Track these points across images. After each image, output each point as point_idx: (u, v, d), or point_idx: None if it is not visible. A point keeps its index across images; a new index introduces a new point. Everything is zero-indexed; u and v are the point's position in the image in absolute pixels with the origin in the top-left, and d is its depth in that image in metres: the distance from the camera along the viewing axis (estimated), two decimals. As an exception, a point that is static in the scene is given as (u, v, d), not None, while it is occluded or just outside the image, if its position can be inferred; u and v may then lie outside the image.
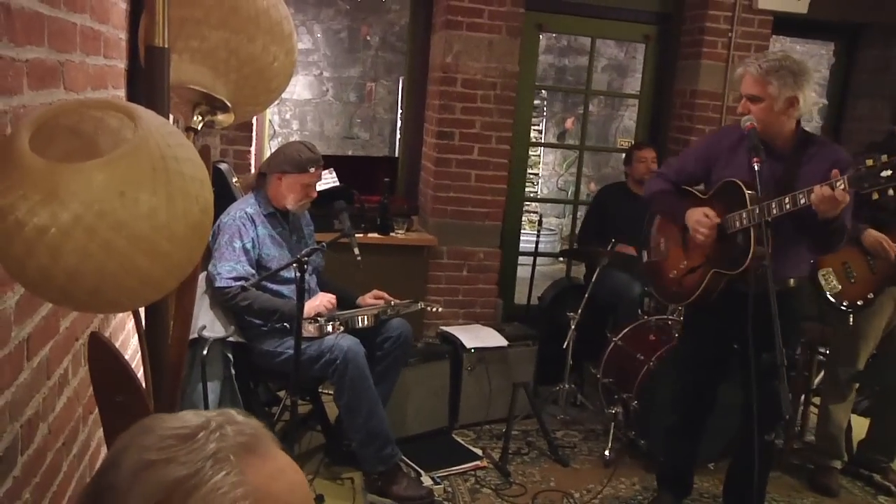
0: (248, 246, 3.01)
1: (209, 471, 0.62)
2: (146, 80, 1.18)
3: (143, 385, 1.19)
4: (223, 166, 3.78)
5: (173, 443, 0.64)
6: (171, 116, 1.21)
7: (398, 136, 7.80)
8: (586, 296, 3.78)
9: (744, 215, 2.51)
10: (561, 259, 7.46)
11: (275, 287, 3.08)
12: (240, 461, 0.64)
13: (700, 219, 2.62)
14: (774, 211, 2.40)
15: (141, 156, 0.91)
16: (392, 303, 3.24)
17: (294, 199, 3.10)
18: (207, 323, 2.94)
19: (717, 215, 2.61)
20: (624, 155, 4.45)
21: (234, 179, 3.81)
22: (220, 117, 1.31)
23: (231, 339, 2.98)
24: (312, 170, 3.08)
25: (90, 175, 0.88)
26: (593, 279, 3.80)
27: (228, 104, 1.28)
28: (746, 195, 2.50)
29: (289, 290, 3.11)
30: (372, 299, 3.29)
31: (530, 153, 5.93)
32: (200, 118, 1.29)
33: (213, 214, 1.08)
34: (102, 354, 1.12)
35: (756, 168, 2.38)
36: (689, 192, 2.80)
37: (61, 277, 0.91)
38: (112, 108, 0.98)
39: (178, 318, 1.24)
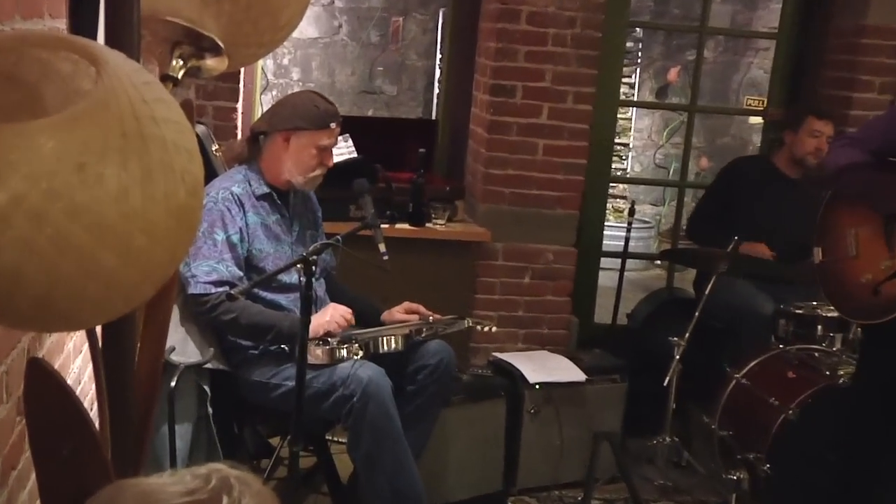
0: (235, 238, 3.02)
1: None
2: (108, 10, 1.17)
3: (98, 432, 1.19)
4: (200, 129, 3.80)
5: None
6: (142, 60, 1.21)
7: (436, 90, 7.79)
8: (697, 314, 3.73)
9: None
10: (659, 262, 7.42)
11: (269, 296, 3.10)
12: None
13: None
14: None
15: (107, 115, 0.90)
16: (430, 319, 3.23)
17: (303, 169, 3.10)
18: (177, 343, 2.96)
19: None
20: (786, 116, 4.38)
21: (215, 147, 3.84)
22: (210, 62, 1.30)
23: (209, 365, 2.99)
24: (333, 125, 3.09)
25: (37, 140, 0.87)
26: (706, 291, 3.75)
27: (220, 44, 1.27)
28: None
29: (288, 299, 3.12)
30: (402, 314, 3.29)
31: (619, 116, 5.87)
32: (182, 63, 1.28)
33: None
34: (45, 390, 1.11)
35: None
36: None
37: (-6, 281, 0.90)
38: (66, 48, 0.97)
39: (149, 336, 1.23)
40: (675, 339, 3.72)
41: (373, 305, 3.35)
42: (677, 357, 3.69)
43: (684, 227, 4.71)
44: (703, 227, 4.34)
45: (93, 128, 0.89)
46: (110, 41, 1.13)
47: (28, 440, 1.20)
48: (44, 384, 1.11)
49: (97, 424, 1.21)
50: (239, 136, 4.24)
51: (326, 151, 3.13)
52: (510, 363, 3.82)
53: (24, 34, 0.99)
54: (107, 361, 1.18)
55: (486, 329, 3.50)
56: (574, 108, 4.39)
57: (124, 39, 1.13)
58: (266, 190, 3.14)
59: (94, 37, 1.79)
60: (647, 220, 8.32)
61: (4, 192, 0.86)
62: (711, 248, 3.87)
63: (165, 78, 1.26)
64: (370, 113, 8.06)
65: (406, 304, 3.32)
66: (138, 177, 0.91)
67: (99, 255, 0.91)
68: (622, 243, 4.72)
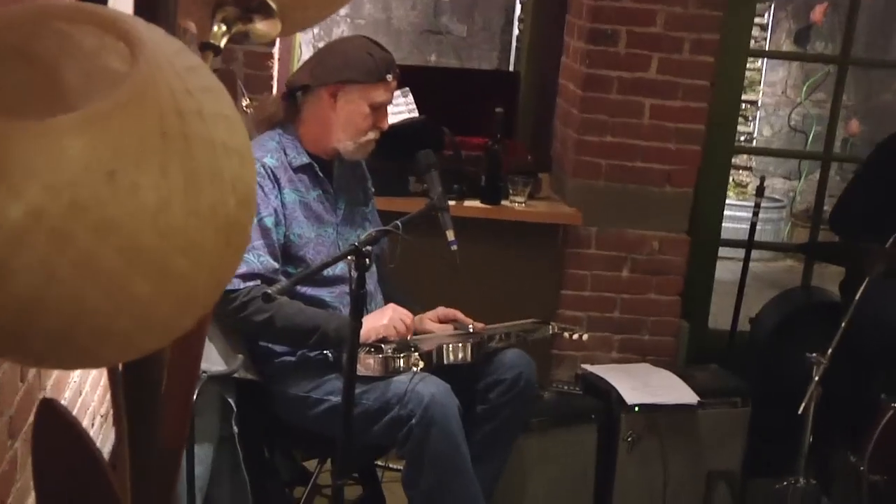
0: (269, 222, 3.05)
1: None
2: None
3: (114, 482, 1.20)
4: (229, 81, 3.84)
5: None
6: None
7: (516, 33, 7.76)
8: (843, 325, 3.68)
9: None
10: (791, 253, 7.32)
11: (310, 291, 3.13)
12: None
13: None
14: None
15: (144, 110, 0.90)
16: (470, 328, 3.22)
17: (353, 132, 3.13)
18: (199, 348, 3.00)
19: None
20: None
21: (245, 102, 3.87)
22: (260, 27, 1.30)
23: (236, 375, 3.03)
24: (389, 77, 3.12)
25: (60, 141, 0.88)
26: (857, 296, 3.69)
27: (272, 5, 1.26)
28: None
29: (333, 295, 3.15)
30: (433, 324, 3.28)
31: (747, 67, 5.78)
32: (225, 29, 1.28)
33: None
34: (58, 436, 1.13)
35: None
36: None
37: (5, 312, 0.91)
38: (91, 21, 0.98)
39: (180, 362, 1.24)
40: (815, 355, 3.66)
41: (409, 304, 3.26)
42: (816, 379, 3.63)
43: (828, 218, 4.63)
44: (849, 217, 4.25)
45: (127, 126, 0.89)
46: (139, 8, 1.14)
47: (35, 491, 1.22)
48: (56, 429, 1.13)
49: (112, 464, 1.23)
50: (275, 89, 4.27)
51: (381, 110, 3.16)
52: (603, 378, 3.82)
53: (45, 7, 1.00)
54: (128, 391, 1.20)
55: (577, 336, 3.49)
56: (692, 59, 4.35)
57: (159, 4, 1.14)
58: (306, 160, 3.16)
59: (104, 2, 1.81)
60: (777, 196, 8.22)
61: (21, 205, 0.87)
62: (863, 244, 3.81)
63: (205, 46, 1.27)
64: (433, 59, 8.06)
65: (440, 310, 3.31)
66: (180, 186, 0.91)
67: (131, 282, 0.91)
68: (746, 227, 4.65)
